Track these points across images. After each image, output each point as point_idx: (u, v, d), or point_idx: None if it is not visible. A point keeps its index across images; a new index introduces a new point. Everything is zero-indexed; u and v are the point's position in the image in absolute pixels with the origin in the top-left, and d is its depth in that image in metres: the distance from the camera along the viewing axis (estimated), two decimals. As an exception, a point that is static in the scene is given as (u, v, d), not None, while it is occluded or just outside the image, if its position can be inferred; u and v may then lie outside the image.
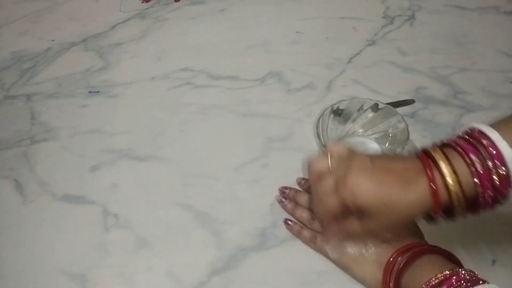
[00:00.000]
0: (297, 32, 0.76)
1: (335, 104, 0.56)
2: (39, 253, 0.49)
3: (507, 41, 0.71)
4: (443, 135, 0.57)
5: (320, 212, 0.41)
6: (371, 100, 0.55)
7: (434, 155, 0.35)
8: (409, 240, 0.42)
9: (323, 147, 0.52)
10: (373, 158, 0.38)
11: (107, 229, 0.51)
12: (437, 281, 0.35)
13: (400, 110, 0.58)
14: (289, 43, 0.74)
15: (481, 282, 0.34)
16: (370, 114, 0.56)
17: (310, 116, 0.61)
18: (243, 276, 0.46)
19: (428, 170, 0.34)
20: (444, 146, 0.36)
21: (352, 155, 0.39)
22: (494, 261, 0.45)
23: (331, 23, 0.77)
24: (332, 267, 0.45)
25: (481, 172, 0.33)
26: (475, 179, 0.33)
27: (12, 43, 0.79)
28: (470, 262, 0.41)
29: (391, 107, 0.55)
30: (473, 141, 0.34)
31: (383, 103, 0.55)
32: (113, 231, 0.51)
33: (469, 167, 0.33)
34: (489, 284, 0.34)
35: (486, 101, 0.61)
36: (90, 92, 0.68)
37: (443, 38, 0.72)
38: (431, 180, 0.34)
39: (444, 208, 0.35)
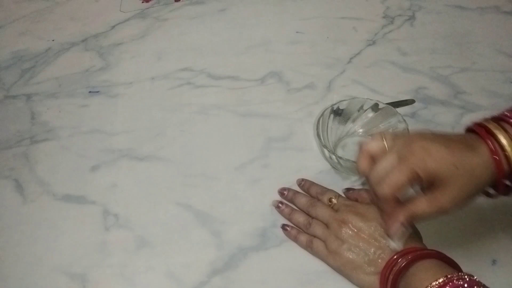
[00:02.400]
0: (297, 32, 0.76)
1: (335, 104, 0.56)
2: (39, 253, 0.49)
3: (507, 41, 0.71)
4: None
5: (386, 191, 0.37)
6: (371, 100, 0.55)
7: (489, 126, 0.36)
8: (406, 245, 0.41)
9: (324, 147, 0.52)
10: (430, 131, 0.38)
11: (107, 229, 0.51)
12: None
13: (400, 110, 0.58)
14: (289, 43, 0.74)
15: (476, 287, 0.34)
16: (370, 114, 0.56)
17: (310, 116, 0.61)
18: (243, 276, 0.46)
19: (486, 138, 0.35)
20: (496, 120, 0.37)
21: (406, 133, 0.38)
22: (494, 261, 0.45)
23: (331, 23, 0.77)
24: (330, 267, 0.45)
25: None
26: None
27: (12, 43, 0.79)
28: (470, 262, 0.41)
29: (391, 107, 0.55)
30: None
31: (383, 103, 0.55)
32: (113, 231, 0.51)
33: None
34: None
35: (486, 101, 0.61)
36: (90, 92, 0.68)
37: (443, 38, 0.72)
38: (491, 146, 0.35)
39: (506, 178, 0.35)
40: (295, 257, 0.47)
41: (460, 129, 0.57)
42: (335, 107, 0.56)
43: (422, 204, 0.37)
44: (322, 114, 0.55)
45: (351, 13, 0.79)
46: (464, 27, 0.74)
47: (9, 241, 0.51)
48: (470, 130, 0.38)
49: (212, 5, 0.83)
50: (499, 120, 0.37)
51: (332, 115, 0.56)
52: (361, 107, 0.56)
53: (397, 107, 0.59)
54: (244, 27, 0.78)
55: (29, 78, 0.72)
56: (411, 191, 0.38)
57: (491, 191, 0.37)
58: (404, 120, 0.53)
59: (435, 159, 0.35)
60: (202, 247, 0.48)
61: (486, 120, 0.37)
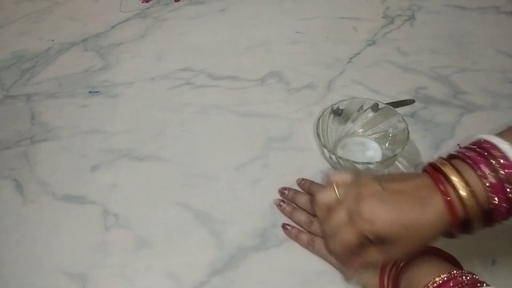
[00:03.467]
0: (297, 32, 0.76)
1: (335, 104, 0.56)
2: (39, 253, 0.49)
3: (507, 41, 0.71)
4: (443, 135, 0.57)
5: (336, 248, 0.38)
6: (371, 100, 0.55)
7: (443, 168, 0.34)
8: None
9: (324, 147, 0.52)
10: (380, 181, 0.37)
11: (107, 229, 0.51)
12: (435, 285, 0.35)
13: (400, 110, 0.58)
14: (289, 43, 0.74)
15: (479, 284, 0.34)
16: (370, 114, 0.56)
17: (310, 116, 0.61)
18: (243, 276, 0.46)
19: (440, 185, 0.34)
20: (452, 158, 0.35)
21: (358, 181, 0.37)
22: (494, 261, 0.45)
23: (331, 23, 0.77)
24: (331, 267, 0.45)
25: (495, 184, 0.32)
26: (489, 192, 0.32)
27: (12, 43, 0.79)
28: (470, 262, 0.41)
29: (391, 107, 0.55)
30: (482, 152, 0.33)
31: (383, 103, 0.55)
32: (113, 231, 0.51)
33: (481, 180, 0.32)
34: (488, 286, 0.34)
35: (486, 101, 0.61)
36: (90, 92, 0.68)
37: (443, 38, 0.72)
38: (445, 194, 0.33)
39: (461, 223, 0.34)
40: (295, 257, 0.47)
41: (460, 129, 0.58)
42: (335, 107, 0.56)
43: (375, 254, 0.37)
44: (322, 114, 0.55)
45: (351, 13, 0.79)
46: (464, 27, 0.74)
47: (9, 241, 0.51)
48: (428, 171, 0.36)
49: (212, 5, 0.83)
50: (453, 158, 0.35)
51: (332, 115, 0.56)
52: (361, 107, 0.56)
53: (397, 107, 0.59)
54: (244, 27, 0.78)
55: (29, 78, 0.72)
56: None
57: (453, 232, 0.36)
58: (404, 120, 0.53)
59: (383, 223, 0.34)
60: (202, 247, 0.48)
61: (441, 160, 0.36)
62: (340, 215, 0.37)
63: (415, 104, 0.61)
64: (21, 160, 0.59)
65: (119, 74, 0.71)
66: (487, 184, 0.32)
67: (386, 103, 0.56)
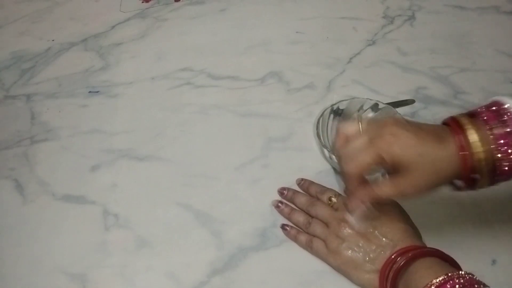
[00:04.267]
0: (297, 32, 0.76)
1: (335, 104, 0.56)
2: (39, 253, 0.49)
3: (507, 41, 0.71)
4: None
5: (352, 170, 0.39)
6: (371, 100, 0.56)
7: (461, 121, 0.37)
8: (406, 243, 0.41)
9: (324, 147, 0.52)
10: (405, 119, 0.39)
11: (107, 229, 0.51)
12: (433, 287, 0.35)
13: (400, 110, 0.58)
14: (289, 43, 0.74)
15: (476, 285, 0.34)
16: (370, 114, 0.56)
17: (310, 116, 0.61)
18: (243, 276, 0.46)
19: (456, 133, 0.36)
20: (470, 115, 0.38)
21: (382, 119, 0.39)
22: (494, 261, 0.45)
23: (331, 23, 0.77)
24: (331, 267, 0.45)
25: (501, 135, 0.35)
26: (496, 142, 0.35)
27: (12, 43, 0.79)
28: (469, 262, 0.41)
29: (391, 107, 0.55)
30: (494, 109, 0.36)
31: (383, 103, 0.55)
32: (113, 231, 0.51)
33: (492, 131, 0.35)
34: (486, 287, 0.34)
35: (486, 101, 0.61)
36: (90, 92, 0.68)
37: (443, 38, 0.72)
38: (459, 139, 0.36)
39: (470, 170, 0.36)
40: (295, 257, 0.47)
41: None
42: (335, 107, 0.56)
43: (385, 187, 0.38)
44: (322, 114, 0.55)
45: (351, 13, 0.79)
46: (464, 27, 0.74)
47: (9, 241, 0.51)
48: (445, 123, 0.39)
49: (212, 5, 0.83)
50: (473, 116, 0.37)
51: (332, 115, 0.56)
52: (361, 107, 0.56)
53: (397, 107, 0.59)
54: (244, 27, 0.78)
55: (29, 78, 0.72)
56: (376, 175, 0.41)
57: (459, 183, 0.38)
58: (404, 120, 0.53)
59: (401, 146, 0.36)
60: (202, 247, 0.48)
61: (462, 115, 0.38)
62: (360, 141, 0.39)
63: (415, 104, 0.61)
64: (21, 160, 0.59)
65: (119, 74, 0.71)
66: (494, 135, 0.35)
67: (386, 103, 0.56)
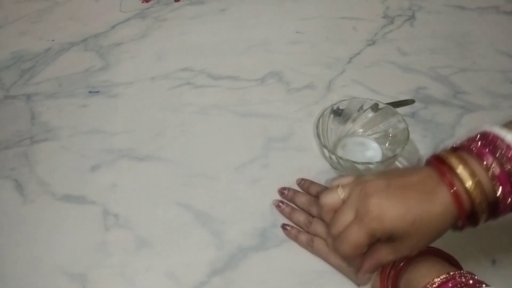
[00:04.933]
0: (297, 32, 0.76)
1: (335, 104, 0.56)
2: (39, 253, 0.49)
3: (507, 41, 0.71)
4: (443, 135, 0.57)
5: (346, 250, 0.37)
6: (371, 100, 0.55)
7: (448, 159, 0.34)
8: None
9: (324, 147, 0.52)
10: (385, 177, 0.36)
11: (107, 229, 0.51)
12: (434, 286, 0.35)
13: (400, 110, 0.58)
14: (289, 43, 0.74)
15: (478, 285, 0.34)
16: (370, 114, 0.56)
17: (310, 116, 0.61)
18: (243, 276, 0.46)
19: (445, 176, 0.33)
20: (457, 150, 0.35)
21: (361, 179, 0.37)
22: (494, 261, 0.45)
23: (331, 23, 0.77)
24: (331, 267, 0.45)
25: (500, 175, 0.32)
26: (495, 183, 0.32)
27: (12, 43, 0.79)
28: (470, 262, 0.41)
29: (391, 107, 0.55)
30: (487, 143, 0.33)
31: (383, 103, 0.55)
32: (113, 231, 0.51)
33: (486, 170, 0.32)
34: (487, 286, 0.34)
35: (486, 101, 0.61)
36: (90, 92, 0.68)
37: (443, 38, 0.72)
38: (451, 186, 0.33)
39: (468, 214, 0.34)
40: (295, 257, 0.47)
41: (460, 129, 0.58)
42: (335, 107, 0.56)
43: (386, 254, 0.37)
44: (322, 114, 0.55)
45: (351, 13, 0.79)
46: (464, 27, 0.74)
47: (9, 241, 0.51)
48: (432, 164, 0.36)
49: (212, 5, 0.83)
50: (458, 150, 0.35)
51: (332, 115, 0.56)
52: (361, 107, 0.56)
53: (397, 107, 0.59)
54: (244, 27, 0.78)
55: (29, 78, 0.72)
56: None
57: (459, 224, 0.35)
58: (404, 120, 0.53)
59: (390, 220, 0.34)
60: (202, 247, 0.48)
61: (445, 151, 0.35)
62: (346, 215, 0.36)
63: (415, 104, 0.61)
64: (21, 160, 0.59)
65: (119, 74, 0.71)
66: (492, 175, 0.32)
67: (386, 103, 0.56)
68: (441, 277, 0.35)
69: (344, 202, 0.38)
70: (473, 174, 0.33)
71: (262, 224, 0.50)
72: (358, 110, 0.56)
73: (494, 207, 0.33)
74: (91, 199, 0.54)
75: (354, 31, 0.75)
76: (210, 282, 0.46)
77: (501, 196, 0.32)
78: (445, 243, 0.41)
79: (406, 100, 0.62)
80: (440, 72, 0.66)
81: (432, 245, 0.41)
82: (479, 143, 0.34)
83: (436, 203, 0.33)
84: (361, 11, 0.79)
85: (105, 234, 0.50)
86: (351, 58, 0.70)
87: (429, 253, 0.39)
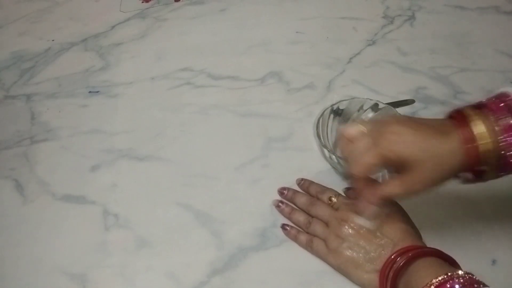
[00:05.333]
0: (297, 32, 0.76)
1: (335, 104, 0.56)
2: (39, 253, 0.49)
3: (507, 41, 0.71)
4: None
5: (357, 170, 0.39)
6: (371, 100, 0.55)
7: (465, 111, 0.37)
8: (406, 243, 0.41)
9: (324, 147, 0.52)
10: (407, 116, 0.39)
11: (107, 229, 0.51)
12: (432, 287, 0.35)
13: (400, 110, 0.58)
14: (289, 43, 0.74)
15: (476, 285, 0.34)
16: (370, 114, 0.56)
17: (310, 116, 0.61)
18: (243, 276, 0.46)
19: (460, 127, 0.36)
20: (476, 107, 0.37)
21: (384, 118, 0.40)
22: (494, 261, 0.45)
23: (331, 23, 0.77)
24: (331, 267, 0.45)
25: (508, 126, 0.34)
26: (503, 134, 0.34)
27: (12, 43, 0.79)
28: (469, 262, 0.41)
29: (391, 107, 0.55)
30: (503, 100, 0.36)
31: (383, 103, 0.55)
32: (113, 231, 0.51)
33: (498, 122, 0.35)
34: (486, 287, 0.34)
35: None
36: (90, 92, 0.68)
37: (443, 38, 0.72)
38: (464, 132, 0.36)
39: (476, 163, 0.36)
40: (295, 257, 0.47)
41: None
42: (335, 107, 0.56)
43: (393, 185, 0.39)
44: (322, 114, 0.55)
45: (351, 13, 0.79)
46: (464, 27, 0.74)
47: (9, 241, 0.51)
48: (451, 116, 0.39)
49: (212, 5, 0.83)
50: (479, 107, 0.37)
51: (332, 115, 0.56)
52: (361, 107, 0.56)
53: (397, 107, 0.59)
54: (244, 27, 0.78)
55: (29, 78, 0.72)
56: (384, 174, 0.42)
57: (467, 176, 0.38)
58: (404, 120, 0.53)
59: (403, 143, 0.37)
60: (202, 247, 0.48)
61: (467, 106, 0.38)
62: (364, 142, 0.39)
63: (415, 104, 0.61)
64: (21, 160, 0.59)
65: (119, 74, 0.71)
66: (501, 127, 0.35)
67: (386, 103, 0.56)
68: (440, 278, 0.35)
69: (364, 134, 0.40)
70: (485, 125, 0.35)
71: (262, 224, 0.50)
72: (358, 110, 0.56)
73: (502, 160, 0.35)
74: (91, 199, 0.54)
75: (354, 31, 0.75)
76: (210, 282, 0.46)
77: (507, 147, 0.35)
78: (445, 243, 0.41)
79: (406, 100, 0.62)
80: (440, 72, 0.66)
81: (432, 245, 0.41)
82: (496, 100, 0.36)
83: (448, 141, 0.36)
84: (361, 11, 0.79)
85: (105, 234, 0.50)
86: (351, 58, 0.70)
87: (428, 253, 0.39)
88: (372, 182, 0.40)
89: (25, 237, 0.51)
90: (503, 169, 0.36)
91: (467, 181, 0.39)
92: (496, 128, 0.35)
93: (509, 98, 0.36)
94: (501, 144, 0.35)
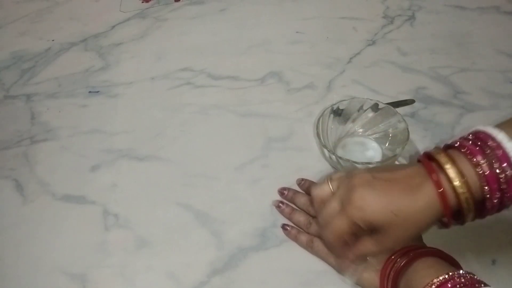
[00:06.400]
0: (297, 32, 0.76)
1: (335, 104, 0.56)
2: (39, 253, 0.49)
3: (507, 41, 0.71)
4: (443, 135, 0.57)
5: (329, 237, 0.38)
6: (371, 100, 0.55)
7: (438, 158, 0.34)
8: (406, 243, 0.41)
9: (324, 147, 0.52)
10: (373, 171, 0.37)
11: (107, 229, 0.51)
12: (433, 287, 0.35)
13: (400, 110, 0.58)
14: (289, 43, 0.74)
15: (477, 285, 0.34)
16: (370, 114, 0.56)
17: (310, 116, 0.61)
18: (243, 276, 0.46)
19: (433, 174, 0.34)
20: (447, 148, 0.35)
21: (351, 174, 0.38)
22: (494, 261, 0.45)
23: (331, 23, 0.77)
24: (331, 267, 0.45)
25: (488, 174, 0.32)
26: (483, 182, 0.32)
27: (12, 43, 0.79)
28: (470, 262, 0.41)
29: (391, 107, 0.55)
30: (478, 142, 0.33)
31: (383, 103, 0.55)
32: (113, 231, 0.51)
33: (475, 169, 0.32)
34: (486, 286, 0.34)
35: (486, 101, 0.61)
36: (90, 92, 0.68)
37: (443, 38, 0.72)
38: (437, 184, 0.33)
39: (453, 212, 0.34)
40: (295, 257, 0.47)
41: (460, 129, 0.58)
42: (335, 107, 0.56)
43: (369, 245, 0.38)
44: (322, 114, 0.55)
45: (351, 13, 0.79)
46: (464, 27, 0.74)
47: (9, 241, 0.51)
48: (420, 160, 0.36)
49: (212, 5, 0.83)
50: (449, 148, 0.35)
51: (332, 115, 0.56)
52: (361, 107, 0.56)
53: (397, 107, 0.59)
54: (244, 27, 0.78)
55: (29, 78, 0.72)
56: None
57: (445, 220, 0.35)
58: (404, 120, 0.53)
59: (372, 209, 0.35)
60: (202, 247, 0.48)
61: (436, 149, 0.36)
62: (333, 205, 0.38)
63: (415, 104, 0.61)
64: (21, 160, 0.59)
65: (119, 74, 0.71)
66: (481, 174, 0.32)
67: (386, 103, 0.56)
68: (440, 277, 0.35)
69: (332, 194, 0.39)
70: (461, 173, 0.33)
71: (262, 224, 0.50)
72: (358, 110, 0.56)
73: (481, 206, 0.33)
74: (91, 199, 0.54)
75: (354, 31, 0.75)
76: (210, 282, 0.46)
77: (488, 196, 0.32)
78: (445, 243, 0.41)
79: (406, 100, 0.62)
80: (440, 72, 0.66)
81: (432, 245, 0.41)
82: (470, 141, 0.34)
83: (420, 197, 0.34)
84: (361, 11, 0.79)
85: (105, 234, 0.50)
86: (351, 58, 0.70)
87: (429, 254, 0.39)
88: (346, 243, 0.39)
89: (25, 237, 0.51)
90: (483, 214, 0.34)
91: (444, 226, 0.36)
92: (474, 173, 0.32)
93: (485, 138, 0.33)
94: (479, 191, 0.32)
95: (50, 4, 0.88)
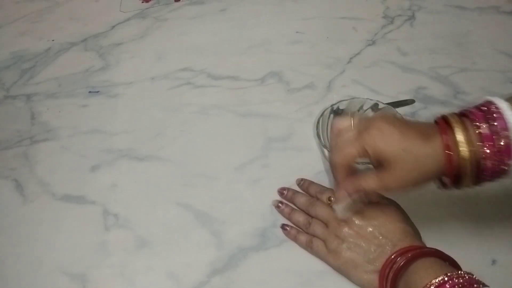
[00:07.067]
0: (297, 32, 0.76)
1: (335, 104, 0.56)
2: (39, 253, 0.49)
3: (507, 41, 0.71)
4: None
5: (337, 159, 0.40)
6: (371, 100, 0.56)
7: (450, 118, 0.37)
8: (405, 243, 0.41)
9: (324, 147, 0.52)
10: (394, 115, 0.40)
11: (107, 229, 0.51)
12: (432, 287, 0.35)
13: (400, 110, 0.58)
14: (289, 43, 0.74)
15: (476, 285, 0.34)
16: (370, 114, 0.56)
17: (310, 116, 0.61)
18: (243, 276, 0.46)
19: (443, 133, 0.37)
20: (461, 115, 0.38)
21: (376, 114, 0.41)
22: (494, 261, 0.45)
23: (331, 23, 0.77)
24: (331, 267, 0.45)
25: (487, 134, 0.35)
26: (480, 141, 0.35)
27: (12, 43, 0.79)
28: (469, 262, 0.41)
29: (391, 107, 0.55)
30: (485, 110, 0.36)
31: (383, 103, 0.55)
32: (113, 231, 0.51)
33: (475, 129, 0.35)
34: (485, 287, 0.34)
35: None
36: (90, 92, 0.68)
37: (443, 38, 0.72)
38: (446, 141, 0.36)
39: (454, 169, 0.36)
40: (295, 257, 0.47)
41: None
42: (335, 107, 0.56)
43: (369, 180, 0.39)
44: (322, 114, 0.55)
45: (351, 13, 0.79)
46: (464, 27, 0.74)
47: (9, 241, 0.51)
48: (436, 121, 0.40)
49: (212, 5, 0.83)
50: (463, 115, 0.38)
51: (332, 115, 0.56)
52: (361, 107, 0.56)
53: (397, 107, 0.59)
54: (244, 27, 0.78)
55: (29, 78, 0.72)
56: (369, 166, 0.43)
57: (445, 180, 0.39)
58: (404, 120, 0.53)
59: (385, 141, 0.37)
60: (202, 247, 0.48)
61: (453, 114, 0.39)
62: (350, 134, 0.40)
63: (415, 104, 0.61)
64: (21, 160, 0.59)
65: (119, 74, 0.71)
66: (479, 133, 0.35)
67: (386, 103, 0.56)
68: (439, 278, 0.35)
69: (353, 126, 0.41)
70: (465, 132, 0.36)
71: (262, 224, 0.50)
72: (358, 110, 0.56)
73: (479, 172, 0.36)
74: (91, 199, 0.54)
75: (354, 31, 0.75)
76: (210, 282, 0.46)
77: (485, 157, 0.35)
78: (445, 243, 0.41)
79: (406, 100, 0.62)
80: (440, 72, 0.66)
81: (431, 245, 0.41)
82: (479, 109, 0.37)
83: (429, 145, 0.37)
84: (361, 11, 0.79)
85: (105, 234, 0.50)
86: (351, 58, 0.70)
87: (428, 254, 0.39)
88: (351, 174, 0.41)
89: (25, 237, 0.51)
90: (480, 178, 0.37)
91: (443, 186, 0.39)
92: (476, 137, 0.35)
93: (492, 106, 0.36)
94: (479, 153, 0.35)
95: (50, 4, 0.88)
